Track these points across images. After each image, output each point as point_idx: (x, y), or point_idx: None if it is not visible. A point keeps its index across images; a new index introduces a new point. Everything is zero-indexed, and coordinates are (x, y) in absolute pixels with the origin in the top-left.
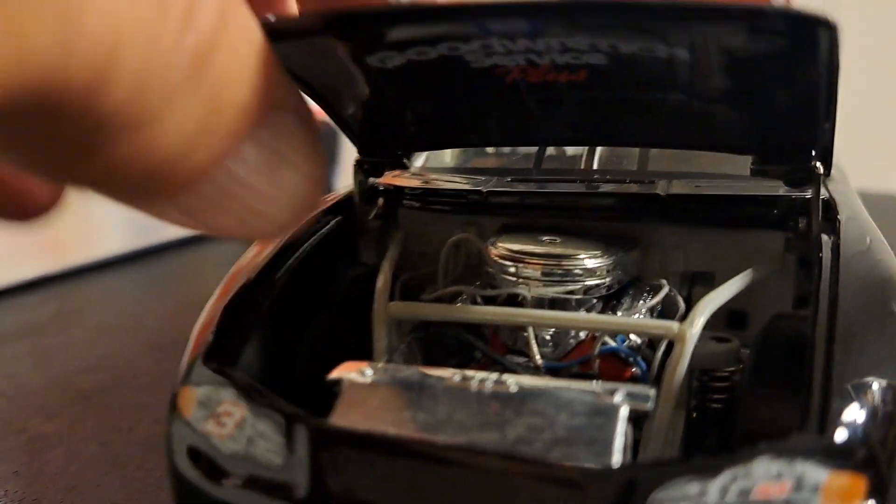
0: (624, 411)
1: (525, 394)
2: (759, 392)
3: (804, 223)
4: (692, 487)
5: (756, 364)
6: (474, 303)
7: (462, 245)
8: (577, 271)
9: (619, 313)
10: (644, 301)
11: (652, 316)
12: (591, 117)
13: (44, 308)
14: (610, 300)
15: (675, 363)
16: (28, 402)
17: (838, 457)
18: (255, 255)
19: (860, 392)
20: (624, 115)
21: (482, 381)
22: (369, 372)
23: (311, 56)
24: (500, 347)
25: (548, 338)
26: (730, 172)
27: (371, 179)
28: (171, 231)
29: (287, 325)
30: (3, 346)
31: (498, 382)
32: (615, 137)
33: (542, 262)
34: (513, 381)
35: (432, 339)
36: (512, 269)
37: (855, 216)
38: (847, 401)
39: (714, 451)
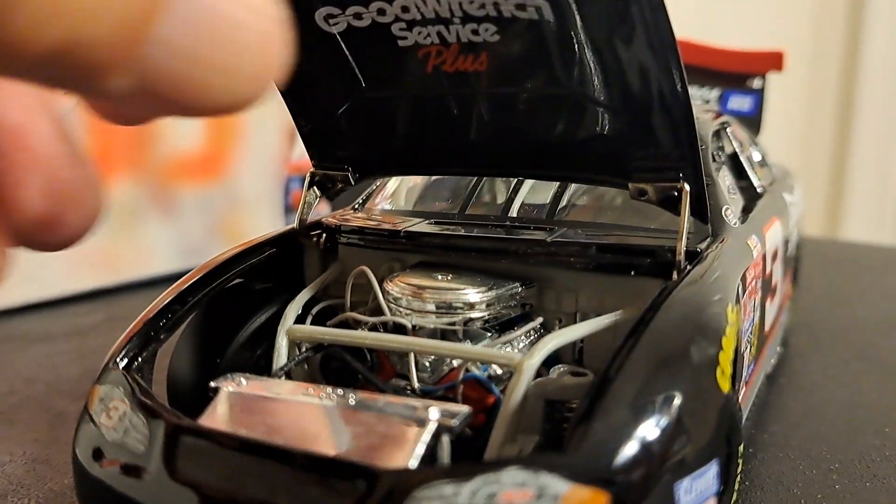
0: (432, 425)
1: (359, 406)
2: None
3: (675, 273)
4: (448, 489)
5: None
6: (373, 328)
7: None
8: (457, 304)
9: (484, 342)
10: (523, 338)
11: (531, 346)
12: (494, 132)
13: (93, 315)
14: (498, 334)
15: (510, 391)
16: (62, 388)
17: (581, 472)
18: (194, 272)
19: (617, 415)
20: (518, 137)
21: (329, 395)
22: (244, 382)
23: None
24: (388, 370)
25: (427, 364)
26: (633, 224)
27: (316, 216)
28: (215, 252)
29: (203, 337)
30: (51, 344)
31: (341, 397)
32: (505, 164)
33: (427, 295)
34: (353, 397)
35: (322, 360)
36: (402, 301)
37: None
38: (605, 422)
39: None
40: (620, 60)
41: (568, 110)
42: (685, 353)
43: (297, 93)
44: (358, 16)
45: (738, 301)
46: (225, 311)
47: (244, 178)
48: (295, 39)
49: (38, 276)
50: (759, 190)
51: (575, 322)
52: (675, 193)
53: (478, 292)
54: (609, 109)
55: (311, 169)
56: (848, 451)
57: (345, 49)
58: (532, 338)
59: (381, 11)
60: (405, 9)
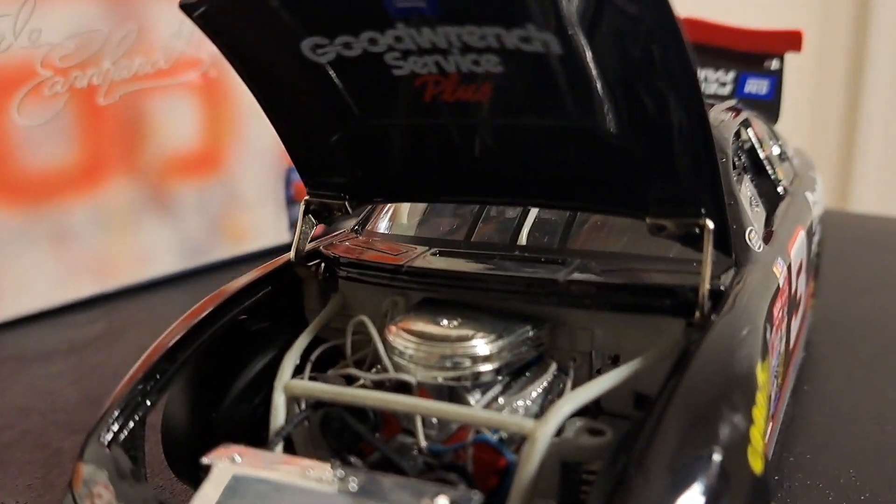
0: None
1: (362, 493)
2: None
3: (699, 314)
4: None
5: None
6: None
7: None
8: (465, 357)
9: (502, 399)
10: (535, 384)
11: (547, 396)
12: (499, 161)
13: (92, 327)
14: (510, 381)
15: (523, 461)
16: (58, 419)
17: None
18: (183, 320)
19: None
20: (525, 166)
21: (329, 480)
22: (238, 459)
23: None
24: (393, 425)
25: (435, 421)
26: (650, 253)
27: (313, 244)
28: (218, 252)
29: (196, 391)
30: (48, 364)
31: (342, 480)
32: (512, 193)
33: (432, 348)
34: (354, 482)
35: (322, 420)
36: (406, 354)
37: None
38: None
39: None
40: (635, 92)
41: (579, 142)
42: (714, 435)
43: (286, 120)
44: (348, 45)
45: (765, 355)
46: (219, 360)
47: (243, 172)
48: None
49: (32, 286)
50: (780, 192)
51: (591, 362)
52: (697, 230)
53: (487, 342)
54: (624, 142)
55: (307, 197)
56: (878, 476)
57: (335, 78)
58: (546, 386)
59: (373, 41)
60: (398, 39)
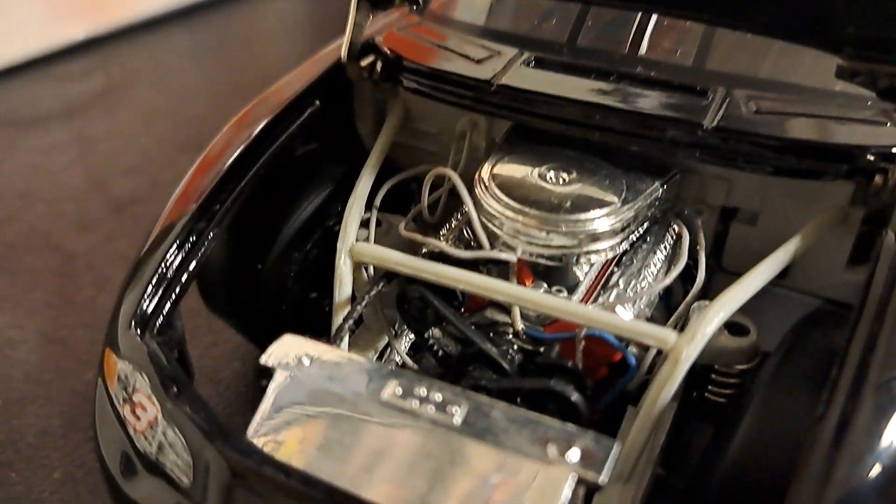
0: (567, 491)
1: (466, 430)
2: (778, 394)
3: (881, 179)
4: None
5: (781, 361)
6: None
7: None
8: (582, 233)
9: (620, 281)
10: (658, 253)
11: (670, 266)
12: None
13: (88, 81)
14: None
15: (660, 385)
16: (65, 210)
17: None
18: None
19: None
20: None
21: (423, 404)
22: (306, 362)
23: None
24: (479, 299)
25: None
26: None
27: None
28: None
29: (238, 239)
30: (45, 133)
31: (440, 410)
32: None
33: (541, 221)
34: (457, 412)
35: (398, 297)
36: (505, 225)
37: None
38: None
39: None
40: None
41: None
42: None
43: None
44: None
45: None
46: (264, 200)
47: None
48: None
49: (15, 31)
50: None
51: (721, 218)
52: None
53: (609, 212)
54: None
55: None
56: None
57: None
58: (666, 254)
59: None
60: None
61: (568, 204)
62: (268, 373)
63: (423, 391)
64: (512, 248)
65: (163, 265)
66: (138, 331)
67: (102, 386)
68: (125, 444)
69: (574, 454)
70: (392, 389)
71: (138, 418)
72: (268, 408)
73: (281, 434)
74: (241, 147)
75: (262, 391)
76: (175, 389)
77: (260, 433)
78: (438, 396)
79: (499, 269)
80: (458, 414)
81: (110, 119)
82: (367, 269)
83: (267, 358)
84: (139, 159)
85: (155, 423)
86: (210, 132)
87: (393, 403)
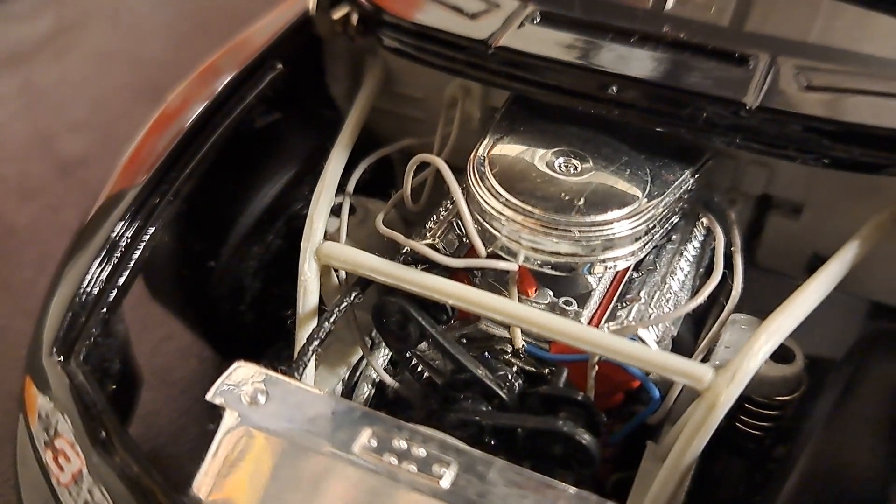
0: None
1: (454, 497)
2: (839, 429)
3: None
4: None
5: (842, 396)
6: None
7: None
8: (598, 239)
9: (642, 293)
10: (684, 254)
11: (699, 269)
12: None
13: (38, 23)
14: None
15: (691, 433)
16: (6, 173)
17: None
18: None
19: None
20: None
21: (403, 461)
22: (261, 399)
23: None
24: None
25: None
26: (868, 52)
27: None
28: None
29: (188, 228)
30: None
31: (424, 470)
32: None
33: (543, 224)
34: (445, 473)
35: (375, 310)
36: (504, 228)
37: None
38: None
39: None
40: None
41: None
42: None
43: None
44: None
45: None
46: (219, 181)
47: None
48: None
49: None
50: None
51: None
52: None
53: (630, 214)
54: None
55: None
56: None
57: None
58: (696, 254)
59: None
60: None
61: (581, 201)
62: (216, 411)
63: (402, 444)
64: (513, 254)
65: (96, 265)
66: (61, 357)
67: (24, 422)
68: (48, 498)
69: None
70: (365, 440)
71: (62, 469)
72: (215, 460)
73: (231, 493)
74: (200, 109)
75: (210, 434)
76: (104, 434)
77: (204, 489)
78: (422, 451)
79: (496, 271)
80: (446, 476)
81: (60, 65)
82: (337, 273)
83: (214, 393)
84: (91, 111)
85: (79, 476)
86: (170, 80)
87: (366, 459)
